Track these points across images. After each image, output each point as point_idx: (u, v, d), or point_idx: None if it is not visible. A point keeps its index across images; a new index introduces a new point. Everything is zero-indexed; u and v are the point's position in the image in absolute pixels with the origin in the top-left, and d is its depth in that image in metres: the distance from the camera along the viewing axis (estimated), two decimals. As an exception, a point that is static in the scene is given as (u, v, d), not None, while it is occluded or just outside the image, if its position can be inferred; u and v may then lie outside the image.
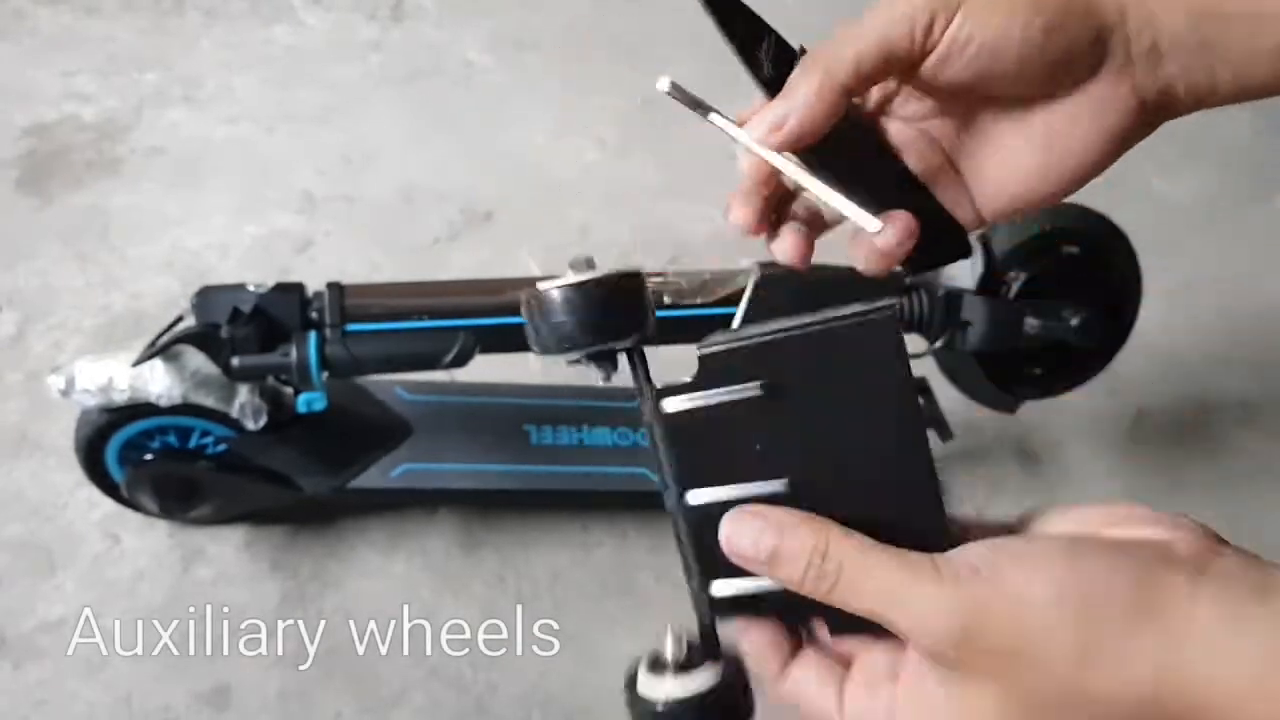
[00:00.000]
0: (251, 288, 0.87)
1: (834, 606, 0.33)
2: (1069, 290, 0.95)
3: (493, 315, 0.89)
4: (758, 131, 0.39)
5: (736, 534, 0.35)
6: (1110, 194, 1.13)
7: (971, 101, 0.40)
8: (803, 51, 0.41)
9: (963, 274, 0.96)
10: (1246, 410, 1.27)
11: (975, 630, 0.31)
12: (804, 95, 0.38)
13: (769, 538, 0.34)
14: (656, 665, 0.37)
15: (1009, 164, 0.41)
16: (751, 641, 0.37)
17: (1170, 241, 1.38)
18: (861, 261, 0.40)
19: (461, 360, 0.88)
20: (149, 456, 0.95)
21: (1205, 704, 0.29)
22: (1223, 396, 1.28)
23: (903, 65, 0.38)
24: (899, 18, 0.37)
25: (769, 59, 0.41)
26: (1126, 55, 0.37)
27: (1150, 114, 0.39)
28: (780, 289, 0.37)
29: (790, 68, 0.40)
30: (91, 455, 0.95)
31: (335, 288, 0.89)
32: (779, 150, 0.39)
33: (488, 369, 1.01)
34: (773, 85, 0.40)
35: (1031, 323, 0.94)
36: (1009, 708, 0.31)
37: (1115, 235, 1.00)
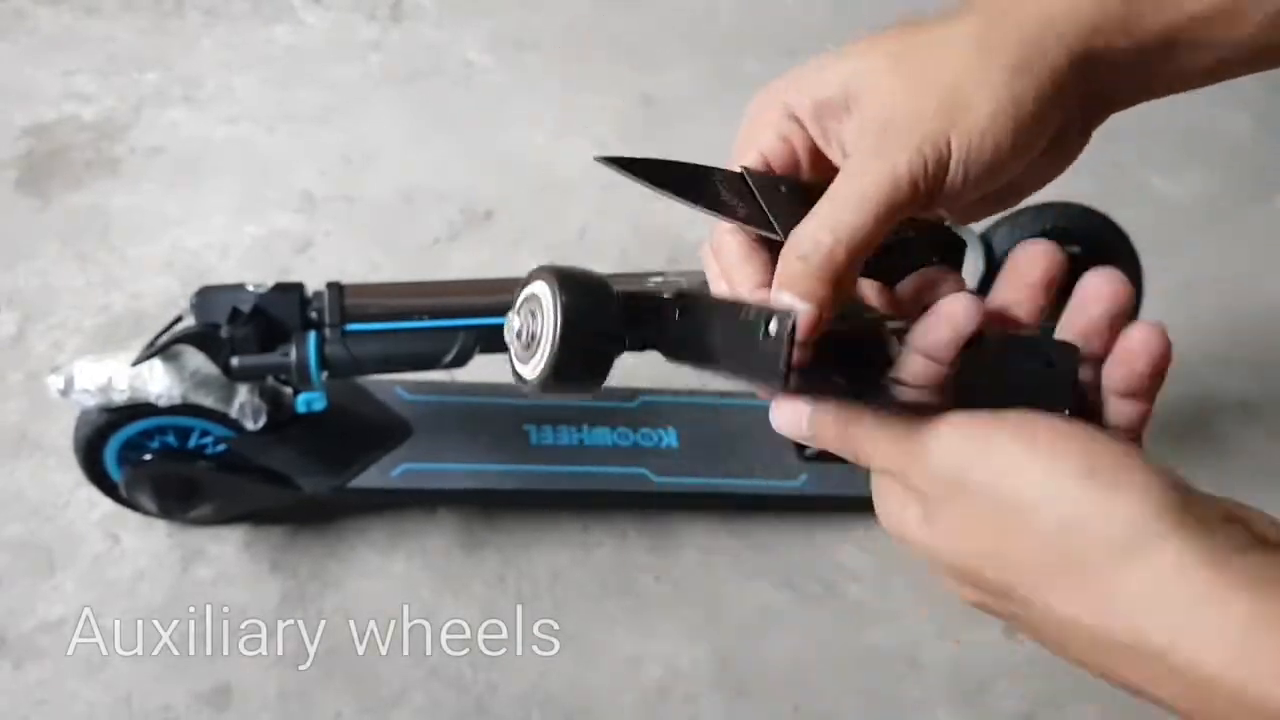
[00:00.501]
0: (251, 288, 0.87)
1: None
2: (1071, 290, 0.95)
3: (492, 315, 0.89)
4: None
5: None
6: (1111, 194, 1.13)
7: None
8: (745, 172, 0.38)
9: (964, 274, 0.96)
10: (1247, 410, 1.27)
11: (971, 473, 0.33)
12: (817, 291, 0.34)
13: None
14: None
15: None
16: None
17: (1170, 241, 1.38)
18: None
19: (461, 360, 0.88)
20: (148, 456, 0.95)
21: (1167, 650, 0.29)
22: (1223, 396, 1.28)
23: (917, 209, 0.36)
24: (896, 172, 0.34)
25: (732, 195, 0.38)
26: (1084, 103, 0.37)
27: (1090, 129, 0.39)
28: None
29: (750, 191, 0.38)
30: (91, 455, 0.95)
31: (335, 287, 0.89)
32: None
33: (488, 369, 1.01)
34: (755, 219, 0.37)
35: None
36: (980, 545, 0.33)
37: (1117, 235, 1.00)
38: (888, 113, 0.35)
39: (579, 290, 0.36)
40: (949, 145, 0.34)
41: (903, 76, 0.35)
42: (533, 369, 0.37)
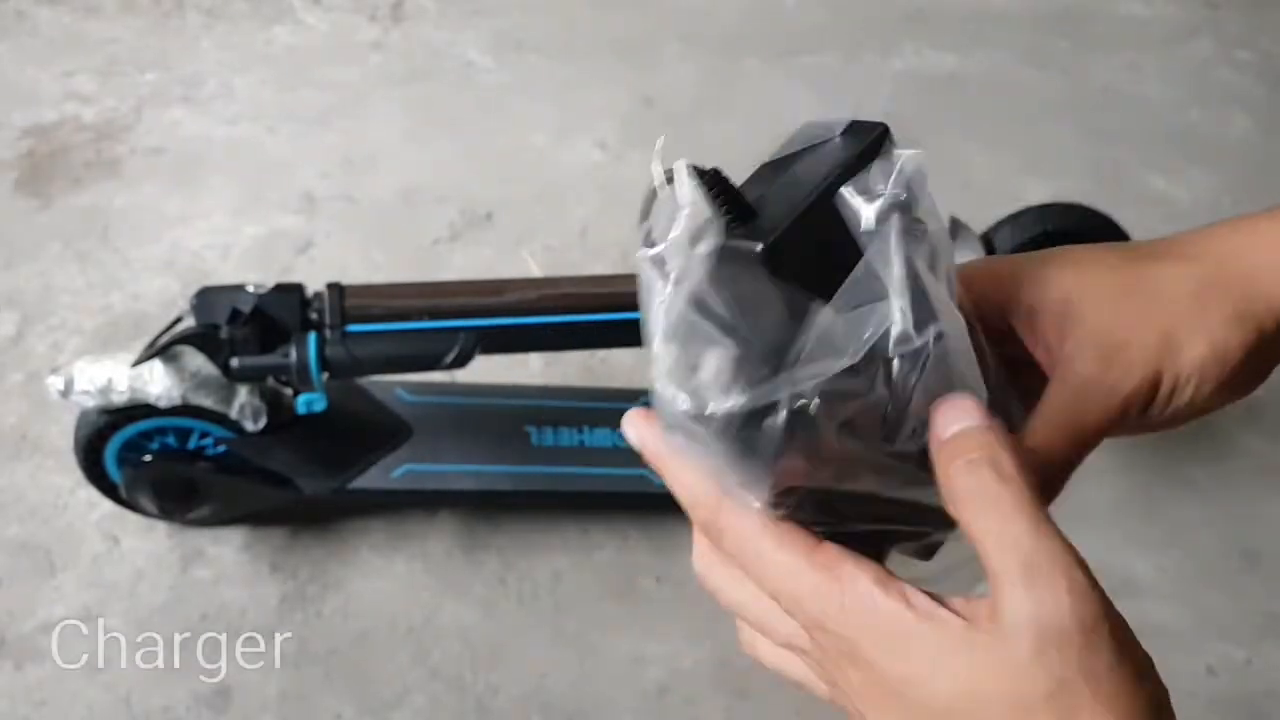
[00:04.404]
0: (251, 288, 0.87)
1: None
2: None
3: (493, 316, 0.89)
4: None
5: None
6: (1111, 194, 1.13)
7: None
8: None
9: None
10: (1247, 410, 1.26)
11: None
12: (1061, 455, 0.35)
13: None
14: None
15: None
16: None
17: (1171, 242, 1.38)
18: None
19: (462, 361, 0.88)
20: (148, 457, 0.95)
21: None
22: (1224, 397, 1.28)
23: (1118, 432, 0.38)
24: (1122, 393, 0.36)
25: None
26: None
27: None
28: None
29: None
30: (91, 456, 0.95)
31: (335, 288, 0.89)
32: None
33: (488, 370, 1.01)
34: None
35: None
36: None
37: (1118, 235, 1.00)
38: (1114, 337, 0.37)
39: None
40: (1161, 379, 0.37)
41: (1128, 305, 0.38)
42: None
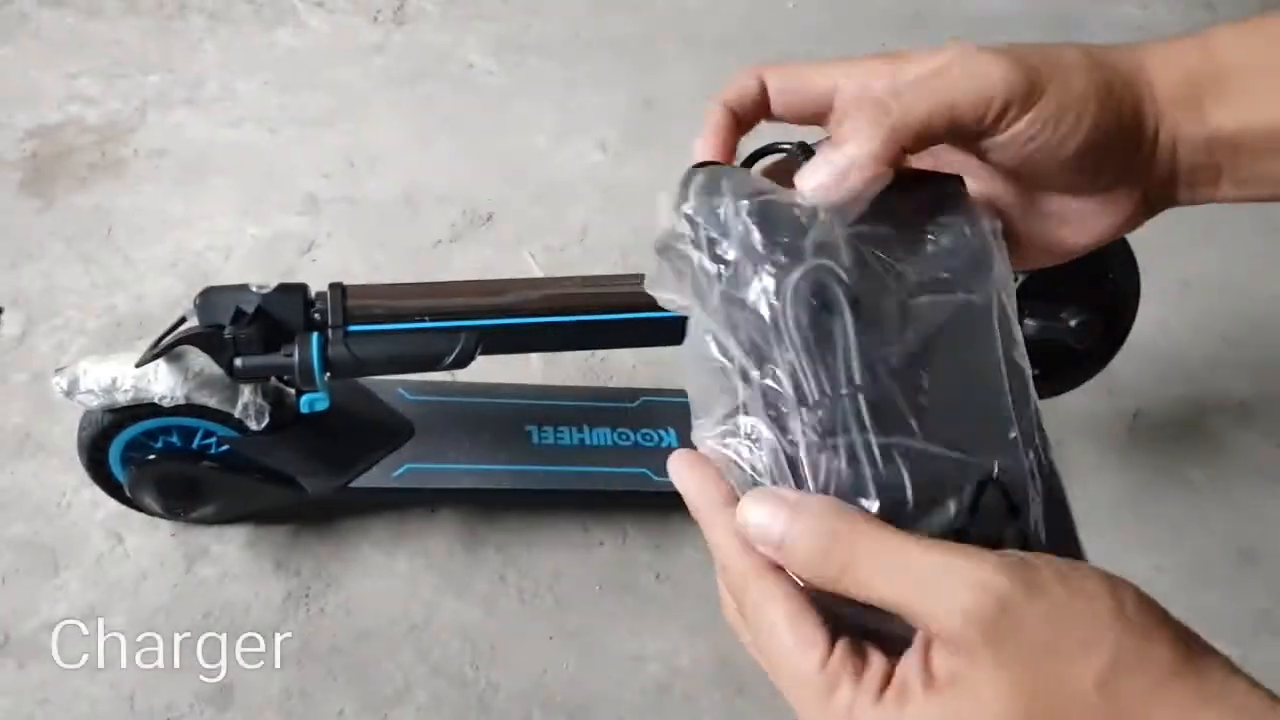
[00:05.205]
0: (254, 289, 0.87)
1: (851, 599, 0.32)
2: (1067, 291, 0.96)
3: (494, 316, 0.89)
4: (813, 181, 0.36)
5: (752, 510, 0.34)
6: (1109, 195, 1.13)
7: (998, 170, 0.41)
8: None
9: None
10: (1245, 411, 1.27)
11: (1016, 609, 0.29)
12: (868, 150, 0.35)
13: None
14: None
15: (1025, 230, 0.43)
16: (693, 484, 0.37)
17: (1168, 242, 1.38)
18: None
19: (463, 361, 0.89)
20: (152, 457, 0.96)
21: None
22: (1222, 397, 1.28)
23: (962, 138, 0.38)
24: (973, 92, 0.36)
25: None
26: (1148, 171, 0.40)
27: (1150, 213, 0.43)
28: None
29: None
30: (95, 456, 0.95)
31: (338, 288, 0.89)
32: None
33: (489, 370, 1.01)
34: None
35: (1030, 324, 0.95)
36: (1014, 704, 0.29)
37: (1123, 240, 1.00)
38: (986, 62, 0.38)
39: None
40: (1040, 96, 0.37)
41: (1017, 54, 0.38)
42: None
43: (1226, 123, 0.38)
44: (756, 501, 0.34)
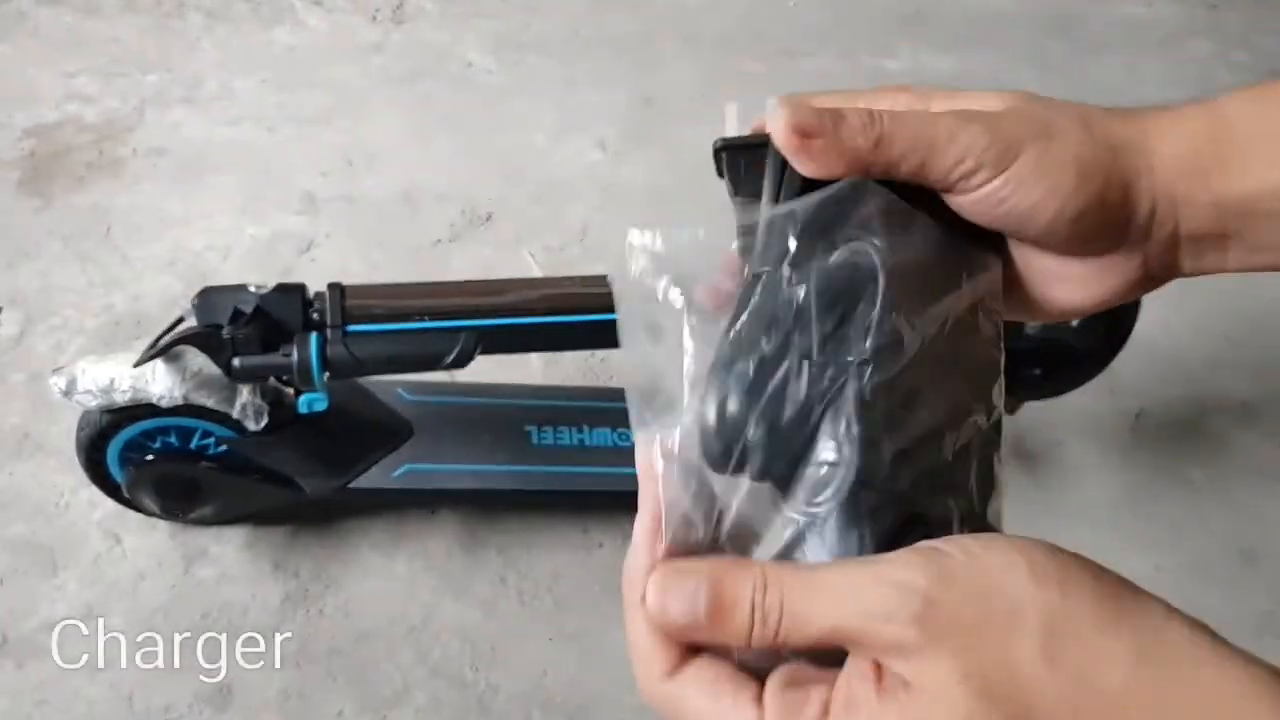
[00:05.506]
0: (253, 288, 0.87)
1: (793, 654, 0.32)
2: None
3: (494, 316, 0.89)
4: (773, 125, 0.39)
5: (668, 598, 0.33)
6: (1110, 194, 1.13)
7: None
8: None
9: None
10: (1246, 411, 1.27)
11: (938, 598, 0.30)
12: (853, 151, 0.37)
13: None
14: None
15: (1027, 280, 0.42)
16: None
17: (1170, 242, 1.38)
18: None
19: (462, 361, 0.88)
20: (150, 457, 0.95)
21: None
22: (1223, 397, 1.28)
23: (931, 183, 0.38)
24: (949, 153, 0.36)
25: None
26: (1145, 240, 0.39)
27: (1154, 282, 0.41)
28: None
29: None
30: (93, 456, 0.95)
31: (336, 288, 0.89)
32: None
33: (489, 370, 1.01)
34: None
35: (1031, 324, 0.94)
36: (967, 689, 0.29)
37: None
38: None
39: None
40: (1013, 161, 0.37)
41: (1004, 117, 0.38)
42: None
43: (1237, 189, 0.38)
44: (666, 588, 0.33)
